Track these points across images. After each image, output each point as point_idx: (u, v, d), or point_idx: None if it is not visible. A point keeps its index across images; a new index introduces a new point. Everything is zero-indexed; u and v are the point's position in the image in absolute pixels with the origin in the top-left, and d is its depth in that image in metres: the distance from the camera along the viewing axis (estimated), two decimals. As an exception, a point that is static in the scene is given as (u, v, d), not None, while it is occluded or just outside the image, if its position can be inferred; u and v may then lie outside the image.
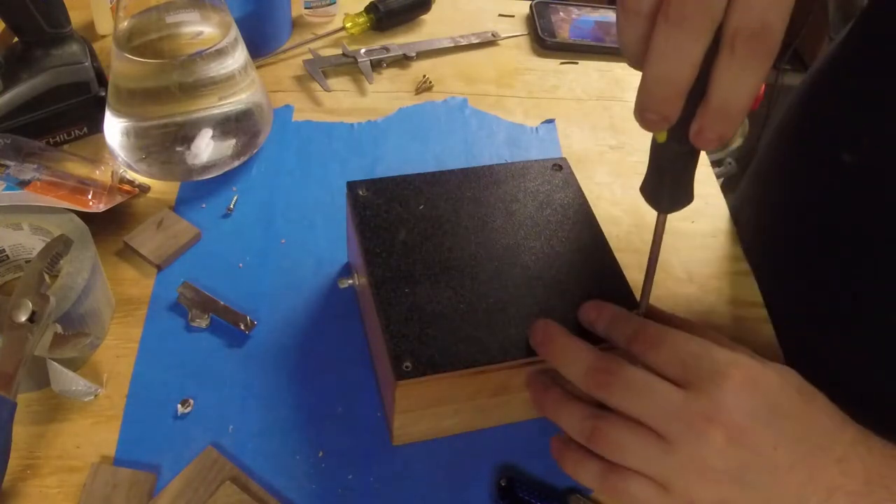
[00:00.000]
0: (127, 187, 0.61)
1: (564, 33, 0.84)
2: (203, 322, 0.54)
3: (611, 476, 0.40)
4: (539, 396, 0.44)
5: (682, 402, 0.38)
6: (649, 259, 0.44)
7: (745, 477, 0.37)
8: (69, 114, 0.64)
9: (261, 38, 0.74)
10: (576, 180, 0.55)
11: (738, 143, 1.67)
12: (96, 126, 0.65)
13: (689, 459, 0.37)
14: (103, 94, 0.64)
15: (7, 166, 0.55)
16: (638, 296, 0.48)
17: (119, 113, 0.61)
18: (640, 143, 0.73)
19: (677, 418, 0.37)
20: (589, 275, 0.49)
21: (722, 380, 0.37)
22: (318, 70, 0.75)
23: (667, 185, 0.40)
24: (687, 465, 0.37)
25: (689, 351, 0.39)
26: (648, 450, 0.38)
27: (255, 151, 0.65)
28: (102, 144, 0.64)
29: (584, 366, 0.41)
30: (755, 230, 0.65)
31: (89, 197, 0.56)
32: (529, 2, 0.87)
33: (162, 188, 0.63)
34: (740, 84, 0.32)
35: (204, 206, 0.62)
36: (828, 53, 0.62)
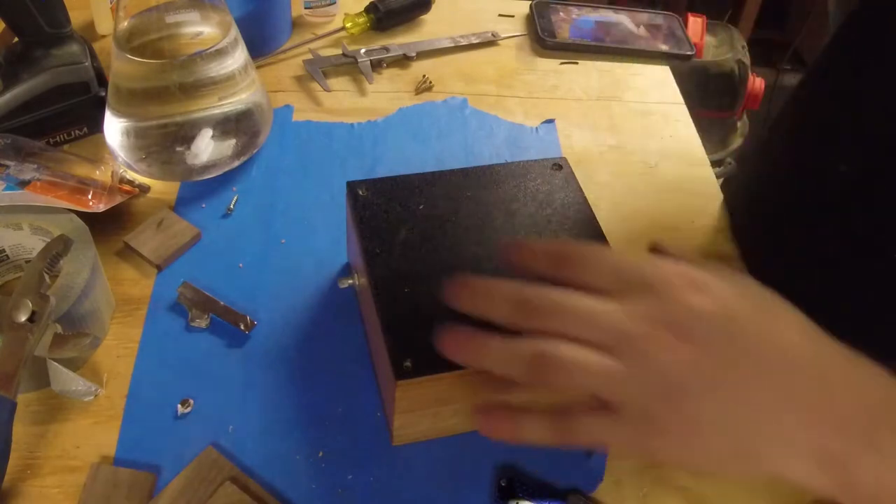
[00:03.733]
0: (127, 187, 0.61)
1: (564, 33, 0.84)
2: (203, 322, 0.54)
3: (559, 421, 0.36)
4: (460, 349, 0.38)
5: (623, 311, 0.34)
6: None
7: (702, 390, 0.34)
8: (69, 114, 0.64)
9: (261, 38, 0.74)
10: (576, 180, 0.55)
11: (738, 142, 1.67)
12: (96, 126, 0.65)
13: (636, 374, 0.34)
14: (103, 94, 0.64)
15: (7, 166, 0.55)
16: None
17: (119, 113, 0.61)
18: (640, 144, 0.73)
19: (619, 331, 0.34)
20: (589, 275, 0.49)
21: (664, 284, 0.34)
22: (318, 70, 0.75)
23: None
24: (636, 382, 0.34)
25: (624, 260, 0.36)
26: (594, 365, 0.35)
27: (255, 151, 0.65)
28: (102, 144, 0.64)
29: (510, 301, 0.37)
30: (748, 229, 0.65)
31: (89, 197, 0.56)
32: (529, 2, 0.87)
33: (162, 188, 0.63)
34: None
35: (204, 206, 0.62)
36: (819, 56, 0.62)
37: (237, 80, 0.62)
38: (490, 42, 0.83)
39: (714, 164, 0.74)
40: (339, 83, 0.75)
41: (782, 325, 0.36)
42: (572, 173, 0.55)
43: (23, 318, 0.45)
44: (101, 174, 0.59)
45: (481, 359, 0.37)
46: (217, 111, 0.61)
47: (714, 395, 0.34)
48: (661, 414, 0.34)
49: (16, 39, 0.63)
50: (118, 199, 0.59)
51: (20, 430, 0.46)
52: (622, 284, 0.36)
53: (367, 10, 0.80)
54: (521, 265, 0.40)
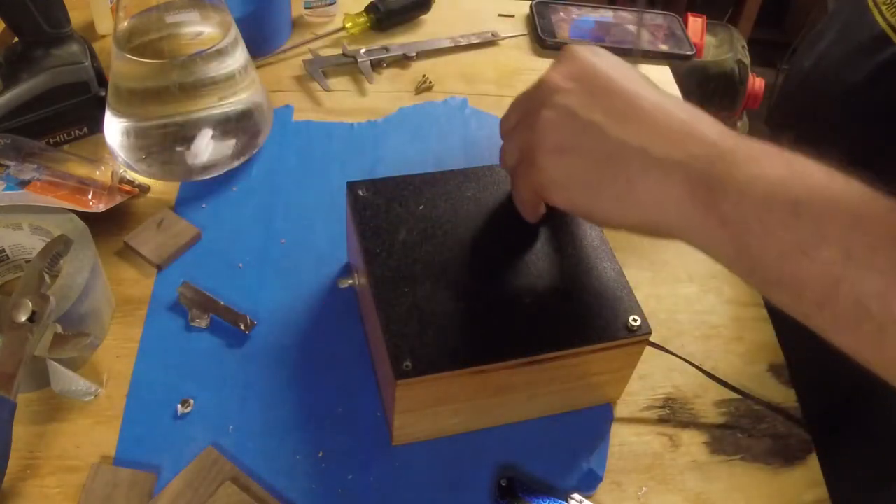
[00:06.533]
0: (127, 187, 0.61)
1: (564, 33, 0.84)
2: (203, 322, 0.54)
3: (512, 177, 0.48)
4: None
5: (522, 97, 0.45)
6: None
7: (575, 108, 0.40)
8: (69, 114, 0.64)
9: (261, 38, 0.74)
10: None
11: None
12: (96, 126, 0.64)
13: (531, 116, 0.43)
14: (103, 94, 0.64)
15: (7, 166, 0.55)
16: (639, 297, 0.48)
17: (119, 113, 0.61)
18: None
19: (521, 106, 0.46)
20: (589, 274, 0.49)
21: (566, 48, 0.45)
22: (318, 70, 0.75)
23: None
24: (528, 118, 0.43)
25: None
26: (513, 131, 0.46)
27: (255, 151, 0.65)
28: (102, 144, 0.63)
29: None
30: None
31: (89, 197, 0.56)
32: (529, 2, 0.87)
33: (162, 188, 0.63)
34: None
35: (204, 206, 0.62)
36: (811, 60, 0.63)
37: (237, 80, 0.62)
38: (490, 42, 0.83)
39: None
40: (339, 83, 0.75)
41: (649, 86, 0.42)
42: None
43: (23, 318, 0.45)
44: (101, 174, 0.59)
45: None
46: (217, 111, 0.61)
47: (579, 113, 0.40)
48: (535, 141, 0.42)
49: (16, 39, 0.62)
50: (118, 199, 0.59)
51: (20, 430, 0.46)
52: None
53: (367, 10, 0.80)
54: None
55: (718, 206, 0.36)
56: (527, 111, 0.44)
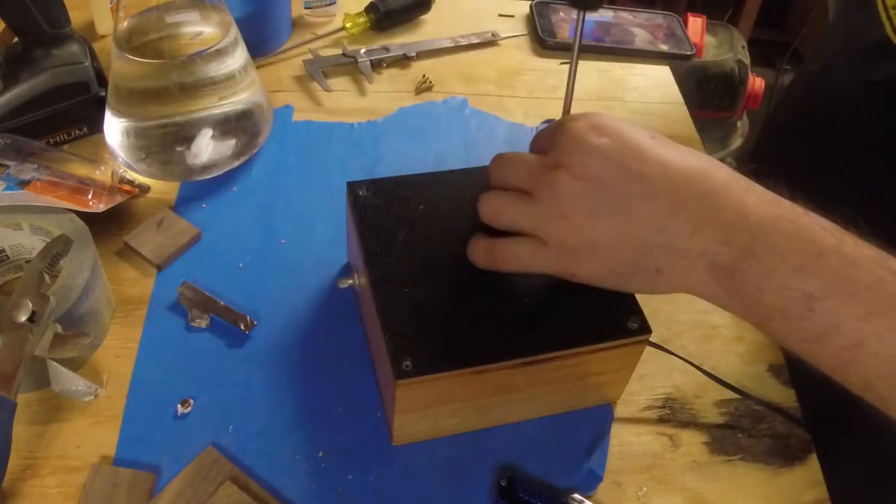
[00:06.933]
0: (127, 187, 0.61)
1: (564, 33, 0.84)
2: (203, 322, 0.54)
3: (495, 245, 0.45)
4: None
5: (538, 160, 0.43)
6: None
7: (599, 210, 0.40)
8: (69, 114, 0.64)
9: (261, 38, 0.74)
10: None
11: (738, 142, 1.67)
12: (96, 126, 0.65)
13: (547, 206, 0.42)
14: (103, 94, 0.64)
15: (7, 166, 0.55)
16: (639, 297, 0.48)
17: (119, 113, 0.61)
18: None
19: (534, 174, 0.43)
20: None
21: (564, 128, 0.42)
22: (318, 70, 0.75)
23: None
24: (547, 212, 0.42)
25: (548, 128, 0.45)
26: (517, 206, 0.44)
27: (255, 151, 0.65)
28: (102, 144, 0.64)
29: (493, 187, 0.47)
30: None
31: (89, 197, 0.56)
32: (529, 2, 0.87)
33: (162, 188, 0.63)
34: None
35: (204, 206, 0.62)
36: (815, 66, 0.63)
37: (237, 80, 0.62)
38: (490, 42, 0.83)
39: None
40: (339, 83, 0.75)
41: (674, 150, 0.42)
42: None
43: (23, 318, 0.45)
44: (101, 174, 0.59)
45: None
46: (217, 111, 0.61)
47: (604, 213, 0.40)
48: (566, 237, 0.42)
49: (16, 39, 0.63)
50: (118, 199, 0.59)
51: (20, 430, 0.46)
52: (546, 143, 0.44)
53: (367, 10, 0.80)
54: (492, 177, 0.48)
55: (741, 295, 0.39)
56: (541, 201, 0.42)
